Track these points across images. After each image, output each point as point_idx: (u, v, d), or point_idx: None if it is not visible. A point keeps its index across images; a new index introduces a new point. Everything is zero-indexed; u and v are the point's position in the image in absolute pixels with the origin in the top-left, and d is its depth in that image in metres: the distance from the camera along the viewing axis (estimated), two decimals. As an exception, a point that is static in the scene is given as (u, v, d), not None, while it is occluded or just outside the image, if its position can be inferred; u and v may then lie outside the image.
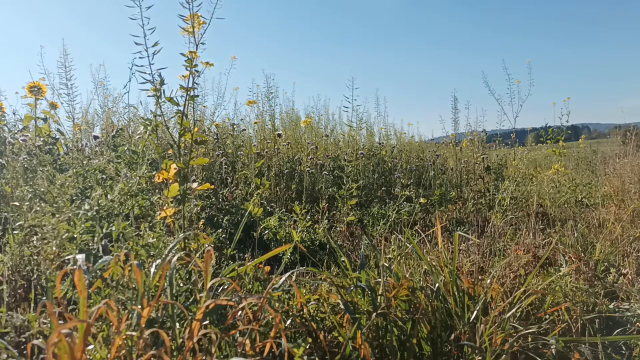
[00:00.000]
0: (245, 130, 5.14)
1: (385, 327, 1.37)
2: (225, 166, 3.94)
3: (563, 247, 2.36)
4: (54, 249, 1.56)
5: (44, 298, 1.48)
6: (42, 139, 2.83)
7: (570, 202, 3.75)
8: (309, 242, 2.73)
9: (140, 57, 1.77)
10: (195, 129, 1.83)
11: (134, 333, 1.07)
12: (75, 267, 1.13)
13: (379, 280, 1.50)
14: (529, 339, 1.44)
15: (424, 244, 2.37)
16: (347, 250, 2.70)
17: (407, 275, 1.66)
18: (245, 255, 1.92)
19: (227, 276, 1.46)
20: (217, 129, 4.84)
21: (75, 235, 1.58)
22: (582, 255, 2.17)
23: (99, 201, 1.82)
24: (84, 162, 2.40)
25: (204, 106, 4.98)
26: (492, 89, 5.41)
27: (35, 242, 1.67)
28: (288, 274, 1.40)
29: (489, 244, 2.54)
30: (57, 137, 3.02)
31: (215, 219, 2.91)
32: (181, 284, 1.43)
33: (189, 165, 1.78)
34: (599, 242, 2.30)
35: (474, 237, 2.36)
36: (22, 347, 1.37)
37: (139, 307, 1.11)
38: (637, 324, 1.64)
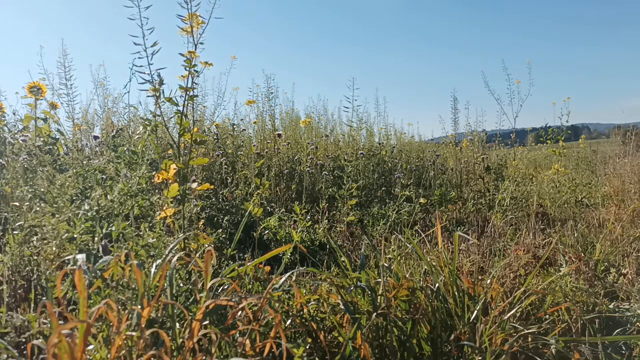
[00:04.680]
0: (245, 130, 5.14)
1: (385, 327, 1.37)
2: (225, 166, 3.94)
3: (563, 247, 2.36)
4: (54, 249, 1.56)
5: (44, 298, 1.48)
6: (42, 139, 2.83)
7: (570, 202, 3.75)
8: (309, 242, 2.73)
9: (139, 57, 1.77)
10: (195, 129, 1.83)
11: (134, 333, 1.07)
12: (75, 267, 1.13)
13: (379, 280, 1.50)
14: (529, 339, 1.44)
15: (424, 244, 2.36)
16: (347, 250, 2.70)
17: (407, 276, 1.66)
18: (245, 256, 1.92)
19: (227, 276, 1.46)
20: (217, 129, 4.84)
21: (75, 236, 1.58)
22: (582, 255, 2.17)
23: (99, 201, 1.82)
24: (84, 162, 2.40)
25: (204, 106, 4.98)
26: (491, 89, 5.40)
27: (35, 242, 1.67)
28: (288, 274, 1.40)
29: (489, 244, 2.54)
30: (57, 137, 3.02)
31: (215, 219, 2.91)
32: (181, 284, 1.43)
33: (188, 165, 1.78)
34: (599, 242, 2.30)
35: (474, 237, 2.36)
36: (22, 347, 1.37)
37: (139, 307, 1.11)
38: (637, 324, 1.64)
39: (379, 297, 1.44)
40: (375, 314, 1.34)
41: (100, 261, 1.28)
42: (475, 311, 1.46)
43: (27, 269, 1.73)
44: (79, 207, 1.77)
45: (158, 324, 1.16)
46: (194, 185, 1.84)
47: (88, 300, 1.04)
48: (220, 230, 2.64)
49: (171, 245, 1.34)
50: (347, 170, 3.50)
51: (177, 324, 1.17)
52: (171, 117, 3.74)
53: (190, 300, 1.37)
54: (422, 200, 3.48)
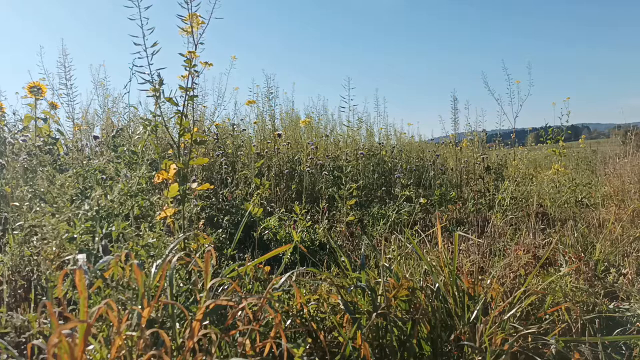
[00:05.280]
0: (245, 130, 5.14)
1: (385, 327, 1.37)
2: (225, 166, 3.94)
3: (563, 247, 2.36)
4: (54, 249, 1.56)
5: (44, 298, 1.48)
6: (42, 139, 2.83)
7: (570, 202, 3.75)
8: (309, 242, 2.73)
9: (139, 57, 1.77)
10: (195, 129, 1.83)
11: (134, 333, 1.07)
12: (75, 267, 1.13)
13: (379, 280, 1.50)
14: (529, 339, 1.44)
15: (424, 244, 2.37)
16: (347, 250, 2.70)
17: (407, 275, 1.66)
18: (246, 256, 1.92)
19: (228, 276, 1.46)
20: (217, 129, 4.84)
21: (75, 236, 1.58)
22: (582, 255, 2.17)
23: (99, 201, 1.82)
24: (84, 162, 2.40)
25: (204, 106, 4.98)
26: (491, 89, 5.40)
27: (35, 242, 1.67)
28: (288, 274, 1.40)
29: (489, 244, 2.54)
30: (57, 137, 3.02)
31: (215, 219, 2.91)
32: (181, 284, 1.43)
33: (188, 165, 1.78)
34: (599, 242, 2.30)
35: (474, 237, 2.36)
36: (22, 347, 1.37)
37: (139, 307, 1.11)
38: (637, 324, 1.64)
39: (379, 297, 1.44)
40: (375, 314, 1.34)
41: (100, 261, 1.28)
42: (475, 311, 1.46)
43: (27, 269, 1.73)
44: (79, 207, 1.77)
45: (158, 324, 1.16)
46: (194, 185, 1.84)
47: (88, 300, 1.04)
48: (220, 230, 2.64)
49: (171, 245, 1.34)
50: (346, 170, 3.50)
51: (177, 324, 1.17)
52: (171, 117, 3.73)
53: (191, 300, 1.37)
54: (422, 200, 3.48)
